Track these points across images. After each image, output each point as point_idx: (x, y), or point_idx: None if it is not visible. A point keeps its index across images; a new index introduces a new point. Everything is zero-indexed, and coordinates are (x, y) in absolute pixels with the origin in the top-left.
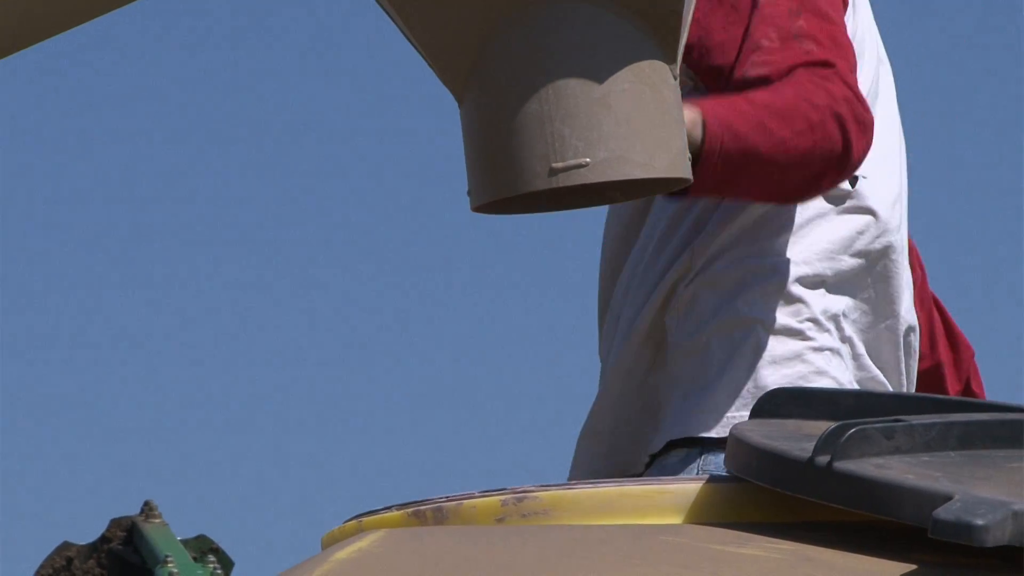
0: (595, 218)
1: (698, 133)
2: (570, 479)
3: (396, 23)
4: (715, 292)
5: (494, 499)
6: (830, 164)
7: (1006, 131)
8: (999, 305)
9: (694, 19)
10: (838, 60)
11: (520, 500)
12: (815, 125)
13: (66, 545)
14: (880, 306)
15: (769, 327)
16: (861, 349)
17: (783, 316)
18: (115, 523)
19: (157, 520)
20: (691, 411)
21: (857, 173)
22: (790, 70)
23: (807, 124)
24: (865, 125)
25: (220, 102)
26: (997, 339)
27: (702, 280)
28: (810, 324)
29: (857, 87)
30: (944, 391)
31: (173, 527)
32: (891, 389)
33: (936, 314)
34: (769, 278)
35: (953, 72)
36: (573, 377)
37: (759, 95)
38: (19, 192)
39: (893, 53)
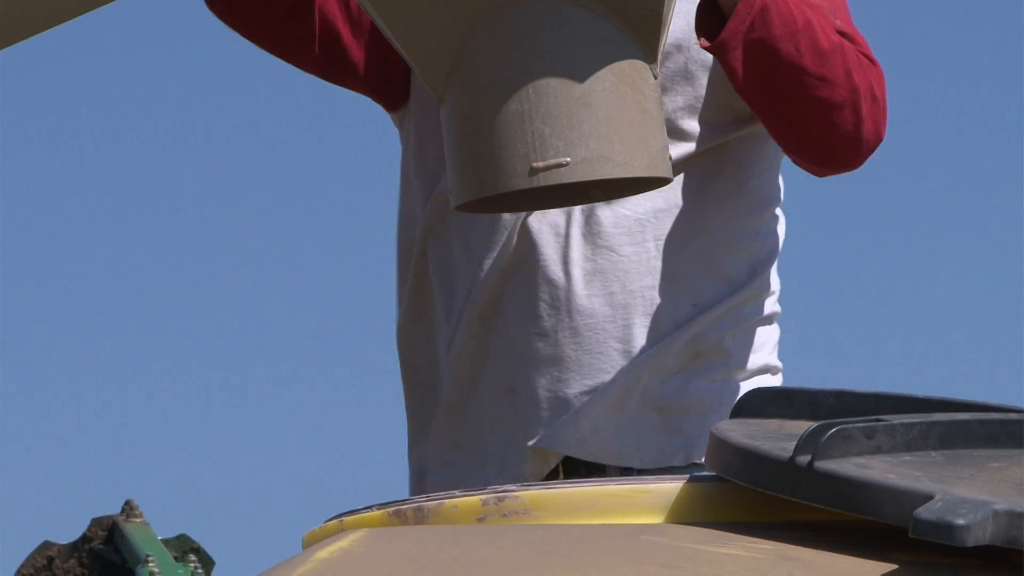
0: None
1: None
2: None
3: (376, 22)
4: (768, 329)
5: (475, 498)
6: (833, 134)
7: (1007, 130)
8: (999, 305)
9: None
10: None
11: (501, 499)
12: (836, 86)
13: (47, 545)
14: None
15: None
16: None
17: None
18: (96, 523)
19: (138, 519)
20: None
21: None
22: (851, 39)
23: (830, 76)
24: (879, 131)
25: (204, 100)
26: (997, 339)
27: (763, 314)
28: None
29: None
30: None
31: (154, 526)
32: None
33: None
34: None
35: (953, 71)
36: None
37: (812, 22)
38: None
39: (892, 51)
